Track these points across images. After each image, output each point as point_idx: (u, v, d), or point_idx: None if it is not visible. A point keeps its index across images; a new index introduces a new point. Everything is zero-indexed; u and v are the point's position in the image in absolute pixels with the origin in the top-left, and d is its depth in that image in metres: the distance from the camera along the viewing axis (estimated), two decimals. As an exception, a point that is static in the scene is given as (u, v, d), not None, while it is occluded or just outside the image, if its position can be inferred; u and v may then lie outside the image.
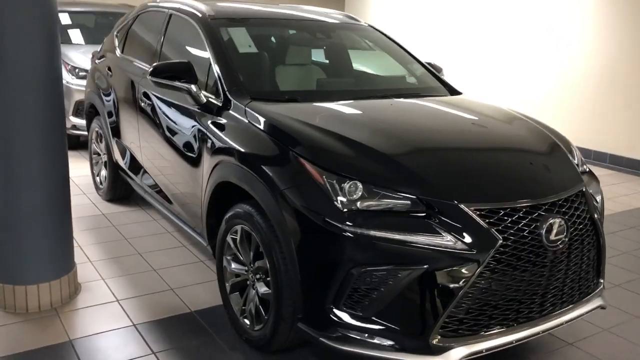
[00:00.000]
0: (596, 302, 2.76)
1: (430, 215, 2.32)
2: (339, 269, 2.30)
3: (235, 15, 3.69)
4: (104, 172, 4.90)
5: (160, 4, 4.20)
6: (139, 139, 4.03)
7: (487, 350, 2.36)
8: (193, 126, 3.23)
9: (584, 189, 2.72)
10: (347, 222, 2.29)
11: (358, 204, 2.33)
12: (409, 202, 2.34)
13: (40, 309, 3.11)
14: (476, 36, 8.96)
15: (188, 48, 3.69)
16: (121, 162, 4.45)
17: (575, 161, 2.98)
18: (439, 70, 4.13)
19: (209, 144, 3.03)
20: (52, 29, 3.01)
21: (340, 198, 2.33)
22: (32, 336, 2.88)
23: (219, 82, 3.14)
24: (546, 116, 7.61)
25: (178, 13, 3.85)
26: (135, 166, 4.22)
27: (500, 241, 2.29)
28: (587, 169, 3.07)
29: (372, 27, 4.18)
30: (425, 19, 9.84)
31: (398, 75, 3.90)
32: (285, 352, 2.79)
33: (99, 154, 5.01)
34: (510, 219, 2.37)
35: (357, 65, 3.98)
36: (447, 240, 2.27)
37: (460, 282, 2.26)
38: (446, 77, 4.05)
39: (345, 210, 2.31)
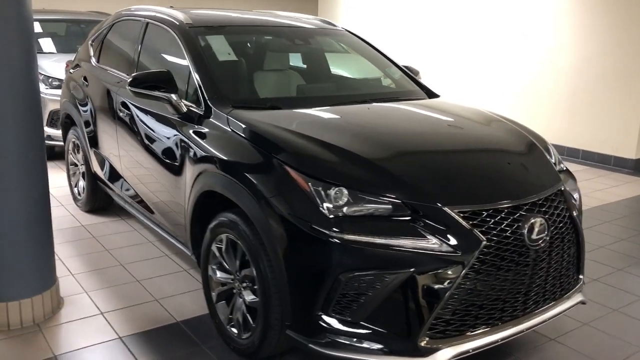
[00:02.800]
0: (577, 298, 2.83)
1: (415, 218, 2.35)
2: (327, 275, 2.32)
3: (213, 23, 3.68)
4: (82, 183, 4.85)
5: (136, 13, 4.18)
6: (117, 149, 4.00)
7: (473, 350, 2.40)
8: (174, 135, 3.21)
9: (562, 188, 2.78)
10: (334, 228, 2.31)
11: (344, 209, 2.35)
12: (393, 206, 2.37)
13: (23, 326, 3.07)
14: (449, 38, 9.06)
15: (166, 57, 3.68)
16: (100, 173, 4.41)
17: (553, 160, 3.05)
18: (416, 73, 4.18)
19: (191, 153, 3.03)
20: (29, 43, 2.97)
21: (326, 204, 2.35)
22: (15, 353, 2.84)
23: (199, 90, 3.13)
24: (522, 114, 7.75)
25: (154, 22, 3.83)
26: (115, 176, 4.18)
27: (484, 242, 2.34)
28: (564, 168, 3.13)
29: (349, 31, 4.21)
30: (397, 22, 9.92)
31: (376, 80, 3.94)
32: (274, 359, 2.80)
33: (76, 165, 4.95)
34: (492, 220, 2.41)
35: (336, 71, 4.01)
36: (432, 243, 2.30)
37: (446, 284, 2.29)
38: (423, 80, 4.11)
39: (331, 216, 2.33)
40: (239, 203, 2.62)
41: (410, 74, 4.00)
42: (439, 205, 2.37)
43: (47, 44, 7.51)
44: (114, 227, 4.57)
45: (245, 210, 2.58)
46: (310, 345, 2.41)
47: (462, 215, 2.37)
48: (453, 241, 2.31)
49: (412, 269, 2.28)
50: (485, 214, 2.41)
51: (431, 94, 3.82)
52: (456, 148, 2.89)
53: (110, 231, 4.49)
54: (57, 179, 5.72)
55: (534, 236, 2.47)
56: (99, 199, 4.74)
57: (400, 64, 4.16)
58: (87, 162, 4.60)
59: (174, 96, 3.16)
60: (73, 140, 4.88)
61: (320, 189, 2.38)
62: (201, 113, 3.06)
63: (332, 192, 2.37)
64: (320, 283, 2.34)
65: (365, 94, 3.61)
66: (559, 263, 2.68)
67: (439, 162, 2.71)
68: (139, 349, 2.88)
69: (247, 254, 2.62)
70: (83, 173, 4.77)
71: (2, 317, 3.04)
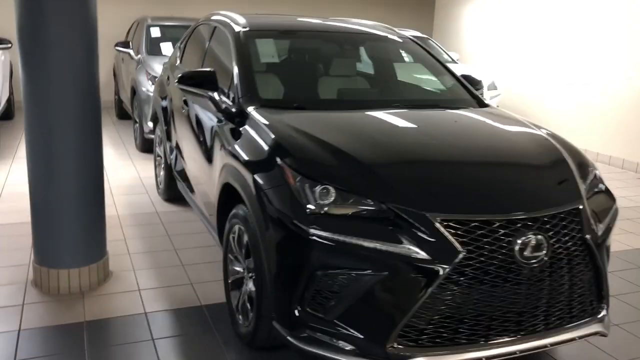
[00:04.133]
0: (593, 328, 2.61)
1: (397, 223, 2.33)
2: (304, 271, 2.38)
3: (267, 27, 3.86)
4: (162, 173, 5.27)
5: (211, 18, 4.48)
6: (181, 142, 4.32)
7: (451, 364, 2.32)
8: (213, 130, 3.43)
9: (580, 207, 2.58)
10: (313, 225, 2.35)
11: (327, 208, 2.38)
12: (377, 208, 2.36)
13: (70, 292, 3.43)
14: (563, 53, 8.57)
15: (223, 58, 3.91)
16: (172, 164, 4.78)
17: (587, 179, 2.83)
18: (476, 83, 4.05)
19: (220, 147, 3.22)
20: (91, 45, 3.31)
21: (310, 201, 2.40)
22: (55, 315, 3.19)
23: (236, 89, 3.32)
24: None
25: (220, 26, 4.09)
26: (179, 168, 4.51)
27: (463, 253, 2.26)
28: (603, 188, 2.90)
29: (412, 39, 4.19)
30: (509, 39, 9.56)
31: (423, 87, 3.88)
32: (276, 351, 2.88)
33: (160, 157, 5.39)
34: (480, 232, 2.31)
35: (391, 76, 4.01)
36: (408, 248, 2.27)
37: (419, 292, 2.25)
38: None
39: (312, 213, 2.38)
40: (243, 194, 2.75)
41: (464, 82, 3.89)
42: (422, 211, 2.32)
43: (166, 47, 8.19)
44: (183, 216, 4.92)
45: (246, 202, 2.71)
46: (289, 338, 2.47)
47: (445, 223, 2.30)
48: (430, 249, 2.26)
49: (385, 273, 2.27)
50: (471, 224, 2.32)
51: (482, 104, 3.70)
52: (465, 158, 2.79)
53: (178, 219, 4.84)
54: (151, 169, 6.24)
55: (527, 253, 2.34)
56: (175, 188, 5.10)
57: (463, 73, 4.07)
58: (165, 154, 4.99)
59: (215, 94, 3.38)
60: (158, 134, 5.32)
61: (307, 185, 2.44)
62: (234, 110, 3.24)
63: (318, 189, 2.41)
64: (298, 277, 2.40)
65: (407, 99, 3.59)
66: (567, 287, 2.50)
67: (439, 171, 2.64)
68: (157, 325, 3.12)
69: (249, 245, 2.74)
70: (163, 164, 5.18)
71: (53, 282, 3.43)
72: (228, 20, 3.99)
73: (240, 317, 2.95)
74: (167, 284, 3.62)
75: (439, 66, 4.00)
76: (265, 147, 2.75)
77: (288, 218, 2.42)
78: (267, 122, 2.91)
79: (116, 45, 8.16)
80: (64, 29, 3.18)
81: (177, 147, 4.52)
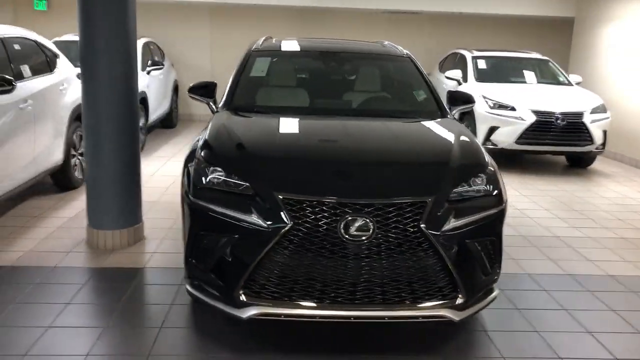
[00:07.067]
0: (440, 312, 2.91)
1: (255, 199, 2.94)
2: (191, 231, 3.11)
3: (272, 48, 4.63)
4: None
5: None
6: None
7: (285, 316, 2.87)
8: (209, 128, 4.31)
9: (428, 200, 2.90)
10: (199, 197, 3.06)
11: (213, 185, 3.08)
12: (242, 187, 3.00)
13: (105, 248, 4.53)
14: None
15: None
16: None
17: (470, 180, 3.09)
18: (467, 98, 4.35)
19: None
20: (130, 54, 4.40)
21: (203, 180, 3.11)
22: (83, 260, 4.30)
23: (223, 96, 4.16)
24: None
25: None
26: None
27: (290, 225, 2.79)
28: (489, 190, 3.14)
29: (409, 57, 4.62)
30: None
31: (395, 99, 4.31)
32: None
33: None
34: (311, 210, 2.82)
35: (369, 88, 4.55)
36: (253, 218, 2.87)
37: (257, 253, 2.84)
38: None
39: (202, 188, 3.09)
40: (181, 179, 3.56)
41: (437, 97, 4.23)
42: (271, 190, 2.91)
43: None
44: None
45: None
46: (186, 285, 3.21)
47: (286, 201, 2.86)
48: (269, 219, 2.84)
49: (236, 236, 2.90)
50: (306, 203, 2.84)
51: (444, 115, 4.04)
52: (342, 156, 3.33)
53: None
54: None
55: (352, 232, 2.78)
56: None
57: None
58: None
59: (210, 101, 4.25)
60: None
61: (204, 168, 3.16)
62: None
63: (210, 170, 3.13)
64: (189, 236, 3.13)
65: (365, 109, 4.10)
66: (404, 270, 2.85)
67: (303, 162, 3.22)
68: (142, 276, 4.06)
69: (187, 215, 3.53)
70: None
71: (93, 240, 4.56)
72: (255, 41, 4.85)
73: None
74: (177, 251, 4.54)
75: (423, 82, 4.39)
76: (199, 141, 3.51)
77: (187, 192, 3.17)
78: (213, 122, 3.69)
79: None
80: (109, 41, 4.27)
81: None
